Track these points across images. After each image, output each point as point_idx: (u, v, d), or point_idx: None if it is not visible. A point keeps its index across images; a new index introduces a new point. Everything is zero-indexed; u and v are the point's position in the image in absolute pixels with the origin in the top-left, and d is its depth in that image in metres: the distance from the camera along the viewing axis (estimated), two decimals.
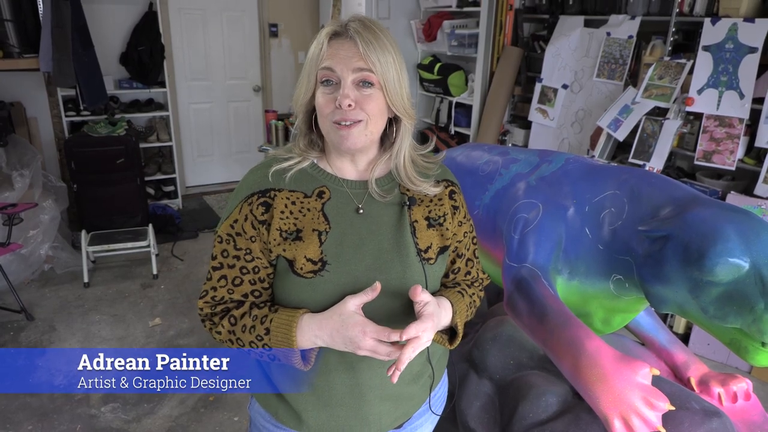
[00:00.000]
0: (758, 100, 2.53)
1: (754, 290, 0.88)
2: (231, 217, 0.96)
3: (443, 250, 1.02)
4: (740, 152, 2.63)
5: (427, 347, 0.92)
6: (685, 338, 2.83)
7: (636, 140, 2.94)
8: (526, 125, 3.84)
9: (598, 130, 3.17)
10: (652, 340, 1.50)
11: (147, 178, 4.39)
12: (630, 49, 3.11)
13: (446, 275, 1.09)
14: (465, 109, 4.22)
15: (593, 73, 3.32)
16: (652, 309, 1.44)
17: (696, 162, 2.76)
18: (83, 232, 3.50)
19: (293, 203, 0.94)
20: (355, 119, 0.90)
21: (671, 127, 2.79)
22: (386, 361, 0.88)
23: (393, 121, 0.98)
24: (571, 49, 3.44)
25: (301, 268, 0.92)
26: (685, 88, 2.78)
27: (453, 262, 1.08)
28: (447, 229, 1.02)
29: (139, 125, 4.56)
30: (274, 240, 0.93)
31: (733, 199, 2.57)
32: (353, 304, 0.89)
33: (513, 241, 1.35)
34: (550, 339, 1.12)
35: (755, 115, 2.54)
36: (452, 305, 0.99)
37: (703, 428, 0.99)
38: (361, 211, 0.97)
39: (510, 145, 3.96)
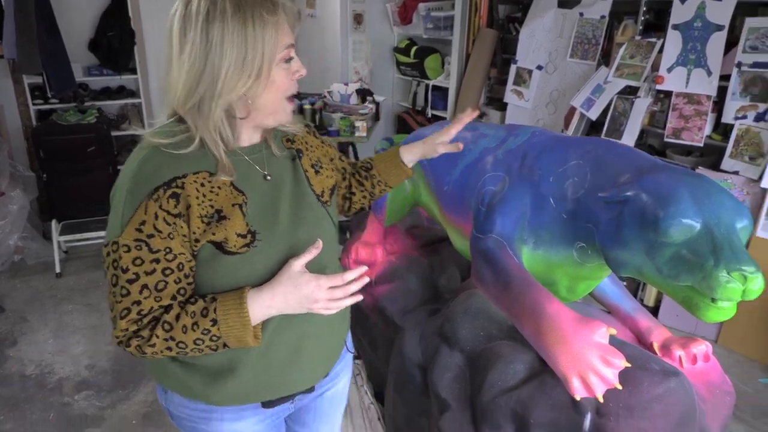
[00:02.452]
0: (725, 77, 2.57)
1: (704, 249, 0.90)
2: (134, 220, 0.86)
3: (333, 190, 1.12)
4: (708, 129, 2.67)
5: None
6: (654, 310, 2.89)
7: (608, 119, 2.97)
8: (502, 107, 3.85)
9: (572, 110, 3.20)
10: (617, 307, 1.52)
11: (120, 167, 4.31)
12: (602, 29, 3.13)
13: (346, 179, 1.32)
14: (442, 92, 4.22)
15: (567, 53, 3.34)
16: (617, 278, 1.47)
17: (666, 139, 2.80)
18: (54, 222, 3.43)
19: (202, 185, 0.89)
20: None
21: (642, 105, 2.82)
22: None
23: None
24: (545, 30, 3.45)
25: (234, 246, 0.90)
26: (655, 67, 2.81)
27: (344, 177, 1.30)
28: (326, 168, 1.12)
29: (111, 113, 4.47)
30: (198, 228, 0.88)
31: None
32: (298, 264, 0.91)
33: (480, 213, 1.36)
34: (513, 306, 1.13)
35: (722, 92, 2.58)
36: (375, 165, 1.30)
37: (662, 387, 1.01)
38: (269, 177, 0.99)
39: None
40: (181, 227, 0.87)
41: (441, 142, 1.29)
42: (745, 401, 2.31)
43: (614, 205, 1.06)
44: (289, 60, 0.93)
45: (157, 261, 0.87)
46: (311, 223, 1.02)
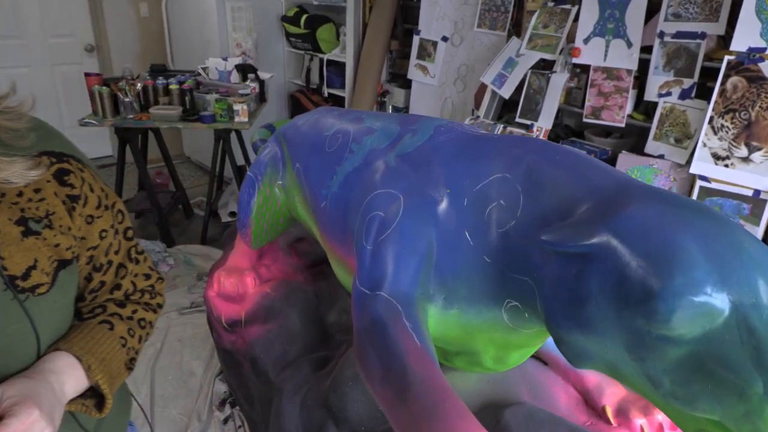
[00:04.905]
0: (646, 49, 2.29)
1: (741, 356, 0.51)
2: None
3: (63, 265, 0.66)
4: (629, 107, 2.40)
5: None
6: None
7: (522, 97, 2.63)
8: (407, 84, 3.43)
9: (483, 87, 2.83)
10: (557, 359, 1.16)
11: None
12: None
13: (81, 297, 0.75)
14: (338, 68, 3.71)
15: (474, 23, 2.95)
16: None
17: (585, 119, 2.51)
18: None
19: None
20: None
21: (558, 81, 2.50)
22: None
23: None
24: None
25: None
26: (571, 38, 2.49)
27: (89, 278, 0.74)
28: (61, 233, 0.66)
29: None
30: None
31: (625, 159, 2.35)
32: None
33: (364, 254, 0.90)
34: (409, 423, 0.69)
35: (644, 66, 2.31)
36: (80, 359, 0.65)
37: None
38: None
39: (389, 107, 3.54)
40: None
41: None
42: None
43: (569, 259, 0.64)
44: None
45: None
46: None
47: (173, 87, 2.95)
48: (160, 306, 0.84)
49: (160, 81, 2.98)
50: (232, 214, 3.50)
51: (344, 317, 1.58)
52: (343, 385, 1.17)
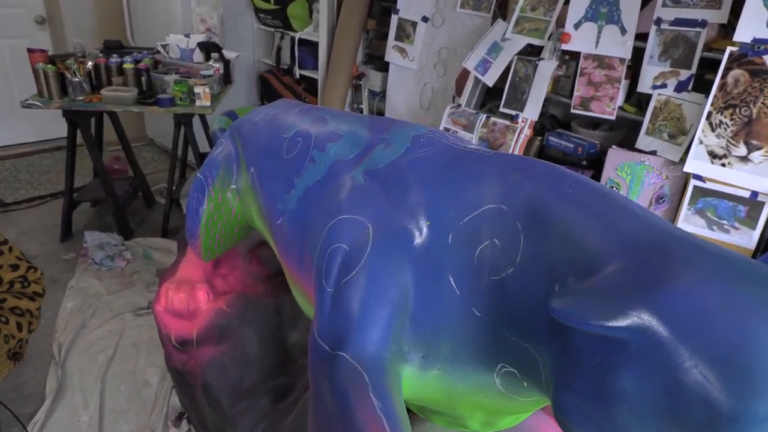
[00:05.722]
0: (642, 37, 2.13)
1: None
2: None
3: None
4: (621, 98, 2.25)
5: None
6: None
7: (507, 85, 2.45)
8: (384, 66, 3.22)
9: (465, 73, 2.64)
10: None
11: None
12: None
13: None
14: (311, 47, 3.48)
15: (457, 2, 2.75)
16: None
17: (573, 110, 2.35)
18: None
19: None
20: None
21: (547, 68, 2.33)
22: None
23: None
24: None
25: None
26: (560, 22, 2.32)
27: None
28: None
29: None
30: None
31: (615, 154, 2.20)
32: None
33: (324, 297, 0.73)
34: None
35: (638, 55, 2.15)
36: None
37: None
38: None
39: (365, 91, 3.33)
40: None
41: None
42: None
43: (593, 340, 0.48)
44: None
45: None
46: None
47: (128, 66, 2.69)
48: (37, 294, 0.93)
49: (114, 59, 2.71)
50: None
51: (306, 338, 1.41)
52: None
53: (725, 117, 1.89)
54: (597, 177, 2.31)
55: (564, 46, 2.30)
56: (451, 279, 0.66)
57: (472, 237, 0.65)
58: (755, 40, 1.79)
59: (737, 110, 1.86)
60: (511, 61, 2.43)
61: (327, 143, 0.92)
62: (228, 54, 3.01)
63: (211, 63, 2.88)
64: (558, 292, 0.51)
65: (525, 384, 0.64)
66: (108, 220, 3.17)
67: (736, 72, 1.85)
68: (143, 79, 2.70)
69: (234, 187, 1.26)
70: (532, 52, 2.44)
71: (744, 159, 1.87)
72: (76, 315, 2.44)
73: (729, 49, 1.84)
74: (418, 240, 0.68)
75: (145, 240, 3.04)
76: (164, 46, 3.01)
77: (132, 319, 2.45)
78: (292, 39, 3.51)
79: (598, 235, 0.54)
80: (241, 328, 1.36)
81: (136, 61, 2.75)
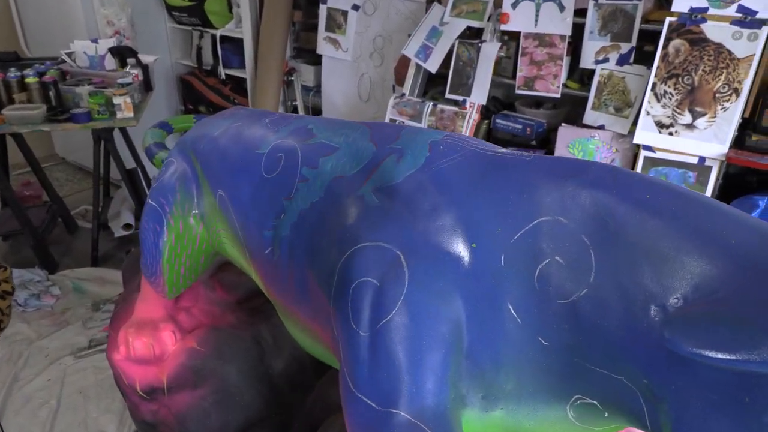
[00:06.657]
0: (580, 13, 2.14)
1: None
2: None
3: None
4: (564, 75, 2.26)
5: None
6: None
7: (451, 70, 2.40)
8: (316, 60, 3.08)
9: (404, 61, 2.56)
10: None
11: None
12: None
13: None
14: (235, 45, 3.26)
15: None
16: None
17: (518, 91, 2.34)
18: None
19: None
20: None
21: (490, 51, 2.29)
22: None
23: None
24: None
25: None
26: (498, 2, 2.28)
27: None
28: None
29: None
30: None
31: (565, 131, 2.22)
32: None
33: (357, 343, 0.62)
34: None
35: (578, 31, 2.16)
36: None
37: None
38: None
39: (299, 87, 3.18)
40: None
41: None
42: None
43: (729, 376, 0.41)
44: None
45: None
46: None
47: (31, 80, 2.38)
48: (7, 293, 0.58)
49: (13, 74, 2.39)
50: (127, 226, 2.99)
51: (294, 366, 1.29)
52: None
53: (669, 87, 1.93)
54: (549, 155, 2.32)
55: (503, 27, 2.28)
56: (510, 306, 0.58)
57: (528, 256, 0.57)
58: (692, 9, 1.84)
59: (680, 79, 1.91)
60: (453, 46, 2.38)
61: (319, 158, 0.80)
62: (145, 58, 2.75)
63: (127, 69, 2.61)
64: (673, 320, 0.44)
65: (606, 414, 0.57)
66: (26, 253, 2.83)
67: (676, 42, 1.89)
68: (51, 93, 2.40)
69: (196, 212, 1.11)
70: (471, 35, 2.40)
71: (690, 126, 1.93)
72: (5, 367, 2.15)
73: (668, 19, 1.88)
74: (464, 265, 0.60)
75: (74, 271, 2.74)
76: (69, 54, 2.70)
77: (73, 363, 2.19)
78: (213, 37, 3.27)
79: (700, 248, 0.47)
80: (220, 368, 1.22)
81: (40, 74, 2.44)
